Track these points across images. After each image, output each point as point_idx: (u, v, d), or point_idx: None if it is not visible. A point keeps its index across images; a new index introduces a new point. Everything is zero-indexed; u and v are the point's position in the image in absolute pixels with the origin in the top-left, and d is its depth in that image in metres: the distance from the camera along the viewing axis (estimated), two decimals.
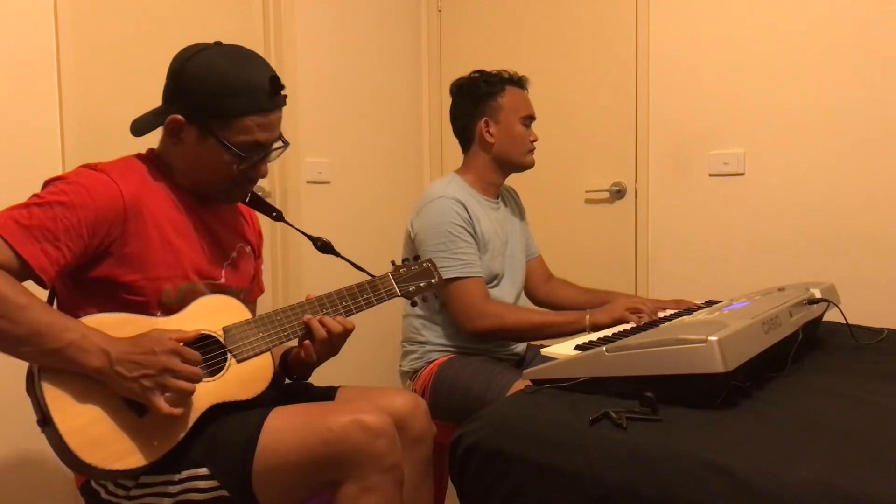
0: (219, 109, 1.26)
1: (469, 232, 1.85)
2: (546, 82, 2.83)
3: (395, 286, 1.47)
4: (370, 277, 1.46)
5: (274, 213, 1.49)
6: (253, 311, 1.56)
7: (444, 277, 1.77)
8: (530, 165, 2.00)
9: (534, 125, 1.99)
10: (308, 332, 1.36)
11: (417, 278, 1.51)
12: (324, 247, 1.51)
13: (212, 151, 1.29)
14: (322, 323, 1.35)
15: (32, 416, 1.15)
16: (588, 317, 1.77)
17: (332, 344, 1.36)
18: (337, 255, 1.51)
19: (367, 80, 2.93)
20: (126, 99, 2.16)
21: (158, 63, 2.28)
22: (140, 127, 1.34)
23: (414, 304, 1.54)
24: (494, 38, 3.03)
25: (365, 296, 1.42)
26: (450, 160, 3.15)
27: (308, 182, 2.68)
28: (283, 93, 1.32)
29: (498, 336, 1.87)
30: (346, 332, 1.37)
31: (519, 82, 2.00)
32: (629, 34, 2.67)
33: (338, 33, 2.80)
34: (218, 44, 1.32)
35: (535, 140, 1.98)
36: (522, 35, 2.95)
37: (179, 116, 1.28)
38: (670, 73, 2.58)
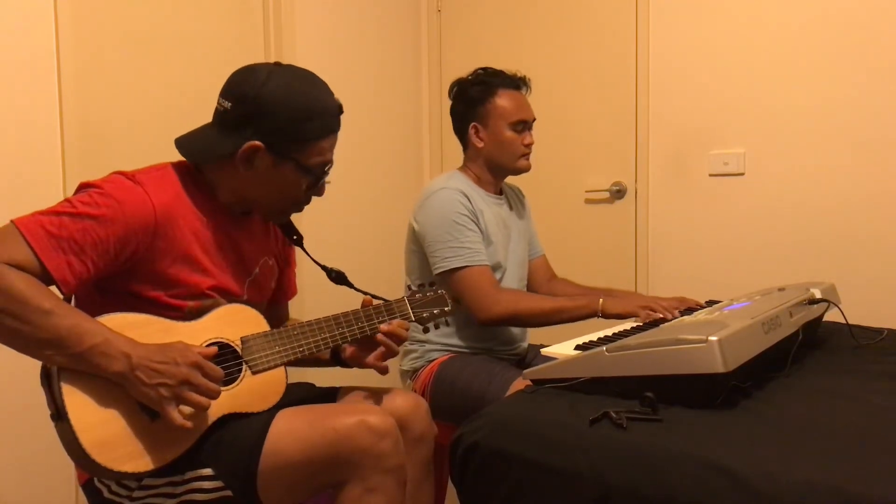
0: (299, 134, 1.27)
1: (473, 221, 1.85)
2: (546, 82, 2.83)
3: (410, 311, 1.47)
4: (386, 301, 1.45)
5: (294, 237, 1.47)
6: (285, 314, 1.59)
7: (451, 267, 1.79)
8: (523, 170, 1.97)
9: (534, 125, 1.98)
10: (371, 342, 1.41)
11: (431, 305, 1.50)
12: (338, 278, 1.50)
13: (287, 175, 1.30)
14: (391, 335, 1.40)
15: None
16: (601, 301, 1.77)
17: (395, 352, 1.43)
18: (351, 286, 1.50)
19: (367, 81, 2.93)
20: (126, 99, 2.16)
21: (158, 63, 2.31)
22: (200, 152, 1.30)
23: (426, 331, 1.53)
24: (494, 38, 3.03)
25: (380, 318, 1.42)
26: (450, 160, 3.15)
27: None
28: None
29: (511, 322, 1.86)
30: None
31: (514, 84, 1.95)
32: (629, 34, 2.67)
33: (337, 34, 2.80)
34: (278, 65, 1.31)
35: (529, 144, 1.94)
36: (522, 35, 2.95)
37: (258, 143, 1.26)
38: (670, 73, 2.58)
